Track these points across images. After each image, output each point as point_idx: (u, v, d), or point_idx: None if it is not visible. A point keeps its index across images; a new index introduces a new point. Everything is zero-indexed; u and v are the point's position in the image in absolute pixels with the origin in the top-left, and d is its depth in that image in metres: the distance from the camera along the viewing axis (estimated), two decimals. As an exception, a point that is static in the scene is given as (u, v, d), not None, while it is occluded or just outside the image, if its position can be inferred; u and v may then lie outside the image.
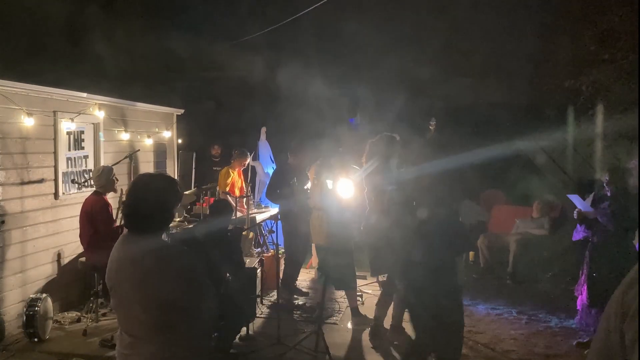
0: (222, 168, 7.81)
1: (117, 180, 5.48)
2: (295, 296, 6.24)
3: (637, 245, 4.37)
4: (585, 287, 4.83)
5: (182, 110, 8.28)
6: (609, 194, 4.64)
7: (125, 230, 2.27)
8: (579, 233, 5.02)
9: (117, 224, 5.46)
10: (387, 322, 5.13)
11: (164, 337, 2.12)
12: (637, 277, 1.10)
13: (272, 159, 8.60)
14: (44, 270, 5.38)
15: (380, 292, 5.11)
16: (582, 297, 4.92)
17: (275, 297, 5.47)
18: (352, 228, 5.66)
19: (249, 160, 7.66)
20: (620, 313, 1.09)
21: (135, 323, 2.14)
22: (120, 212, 5.45)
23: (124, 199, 6.06)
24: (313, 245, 6.39)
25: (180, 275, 2.11)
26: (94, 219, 5.16)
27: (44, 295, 4.91)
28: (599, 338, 1.16)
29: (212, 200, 7.05)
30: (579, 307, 5.01)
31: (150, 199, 2.17)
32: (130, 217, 2.18)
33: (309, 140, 6.57)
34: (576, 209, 4.75)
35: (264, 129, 8.90)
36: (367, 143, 5.03)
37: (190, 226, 5.90)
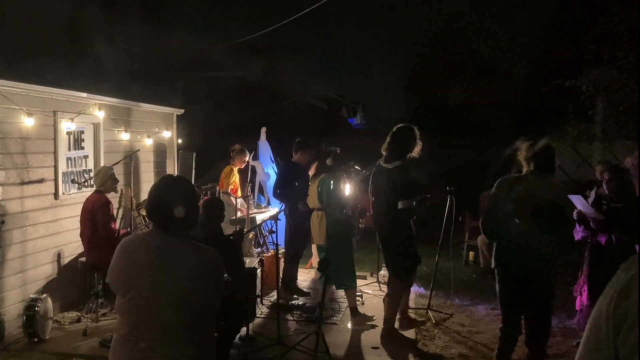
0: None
1: (118, 180, 5.49)
2: (295, 296, 6.25)
3: (637, 247, 4.37)
4: (586, 288, 4.83)
5: (182, 110, 8.28)
6: (606, 192, 4.67)
7: (137, 232, 2.28)
8: (578, 233, 5.03)
9: (117, 224, 5.46)
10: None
11: (187, 337, 2.14)
12: (630, 285, 1.03)
13: (272, 159, 8.59)
14: (44, 270, 5.37)
15: (387, 293, 5.09)
16: (581, 298, 4.92)
17: (275, 297, 5.47)
18: (352, 227, 5.68)
19: (248, 156, 7.67)
20: (612, 325, 1.03)
21: (160, 325, 2.12)
22: (144, 211, 5.45)
23: (124, 200, 6.07)
24: (313, 246, 6.40)
25: (217, 274, 2.23)
26: (94, 217, 5.16)
27: (44, 295, 4.91)
28: (589, 342, 1.09)
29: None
30: (577, 308, 5.00)
31: (188, 200, 2.20)
32: (168, 218, 2.16)
33: (312, 139, 6.60)
34: (576, 210, 4.75)
35: (264, 129, 8.89)
36: (392, 129, 4.96)
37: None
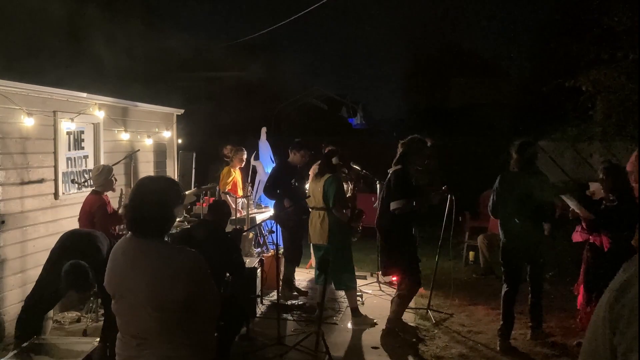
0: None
1: (116, 180, 5.48)
2: (295, 293, 6.25)
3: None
4: (582, 287, 4.89)
5: (182, 110, 8.28)
6: (602, 191, 4.74)
7: (128, 234, 2.27)
8: (577, 234, 5.06)
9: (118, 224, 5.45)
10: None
11: (173, 337, 2.14)
12: (627, 283, 1.02)
13: (272, 159, 8.60)
14: (44, 270, 5.36)
15: (398, 294, 5.07)
16: (579, 297, 4.97)
17: (275, 297, 5.47)
18: (351, 227, 5.68)
19: (246, 155, 7.68)
20: (609, 324, 1.01)
21: (143, 326, 2.14)
22: (122, 213, 5.43)
23: (124, 199, 6.08)
24: (312, 245, 6.40)
25: (189, 275, 2.14)
26: (93, 218, 5.15)
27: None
28: (587, 346, 1.09)
29: (212, 200, 7.06)
30: (579, 307, 5.05)
31: (153, 201, 2.18)
32: (134, 221, 2.19)
33: (311, 140, 6.62)
34: (570, 209, 4.82)
35: (264, 129, 8.89)
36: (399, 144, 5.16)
37: (187, 226, 5.89)
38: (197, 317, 2.19)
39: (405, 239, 5.00)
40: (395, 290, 5.50)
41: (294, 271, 6.46)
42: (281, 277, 6.06)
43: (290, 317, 5.59)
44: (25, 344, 3.63)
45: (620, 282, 1.03)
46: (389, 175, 5.08)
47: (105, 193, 5.33)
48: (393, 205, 4.88)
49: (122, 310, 2.21)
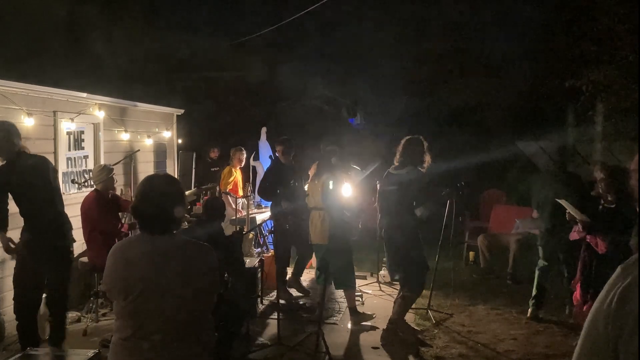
0: (224, 168, 7.84)
1: (117, 181, 5.48)
2: (292, 295, 6.24)
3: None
4: (579, 285, 4.92)
5: (182, 110, 8.28)
6: (600, 191, 4.77)
7: (132, 234, 2.28)
8: (574, 232, 5.09)
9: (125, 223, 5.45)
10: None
11: (191, 333, 2.17)
12: (631, 288, 0.99)
13: (272, 159, 8.60)
14: (44, 270, 5.35)
15: (402, 295, 5.06)
16: (576, 293, 5.00)
17: (275, 297, 5.47)
18: (351, 227, 5.68)
19: (245, 154, 7.68)
20: (612, 328, 0.99)
21: (165, 323, 2.13)
22: (132, 214, 5.43)
23: (123, 199, 6.05)
24: (312, 245, 6.39)
25: (211, 267, 2.25)
26: (87, 214, 5.15)
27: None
28: (584, 345, 1.06)
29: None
30: (574, 303, 5.09)
31: (175, 198, 2.23)
32: (158, 219, 2.20)
33: (311, 140, 6.61)
34: (567, 211, 4.84)
35: (264, 129, 8.90)
36: (402, 140, 5.08)
37: (186, 226, 5.89)
38: (207, 309, 2.27)
39: (414, 241, 4.99)
40: (395, 291, 5.51)
41: (284, 271, 6.39)
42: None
43: (290, 317, 5.58)
44: (19, 355, 3.61)
45: (624, 285, 1.00)
46: (403, 174, 4.97)
47: (110, 191, 5.33)
48: (424, 212, 4.95)
49: (139, 310, 2.13)
